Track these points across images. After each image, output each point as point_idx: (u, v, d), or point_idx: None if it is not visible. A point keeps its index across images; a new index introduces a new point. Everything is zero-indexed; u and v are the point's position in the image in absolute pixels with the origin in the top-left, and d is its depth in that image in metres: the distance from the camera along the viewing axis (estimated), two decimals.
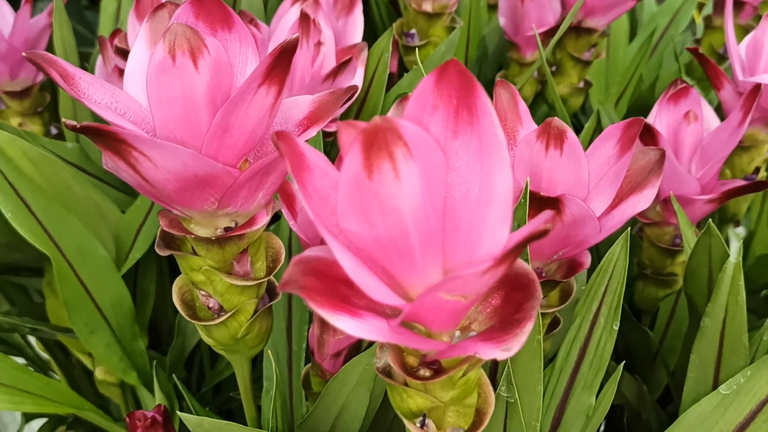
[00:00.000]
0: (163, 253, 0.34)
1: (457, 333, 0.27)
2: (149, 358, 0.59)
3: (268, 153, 0.33)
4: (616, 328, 0.37)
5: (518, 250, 0.21)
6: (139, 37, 0.34)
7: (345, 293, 0.25)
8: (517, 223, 0.33)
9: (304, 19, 0.49)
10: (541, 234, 0.20)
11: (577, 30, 0.63)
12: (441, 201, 0.24)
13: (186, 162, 0.29)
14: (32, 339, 0.72)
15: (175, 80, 0.29)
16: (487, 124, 0.23)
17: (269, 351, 0.41)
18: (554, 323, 0.43)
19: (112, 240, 0.58)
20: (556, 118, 0.36)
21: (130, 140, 0.27)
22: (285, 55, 0.28)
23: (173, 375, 0.53)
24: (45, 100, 0.65)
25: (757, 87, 0.45)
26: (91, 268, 0.55)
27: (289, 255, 0.48)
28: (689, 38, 0.85)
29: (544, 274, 0.40)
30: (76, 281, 0.54)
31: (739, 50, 0.52)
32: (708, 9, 0.72)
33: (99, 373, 0.60)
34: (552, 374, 0.38)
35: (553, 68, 0.65)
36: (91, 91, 0.31)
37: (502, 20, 0.64)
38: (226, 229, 0.33)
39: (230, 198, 0.31)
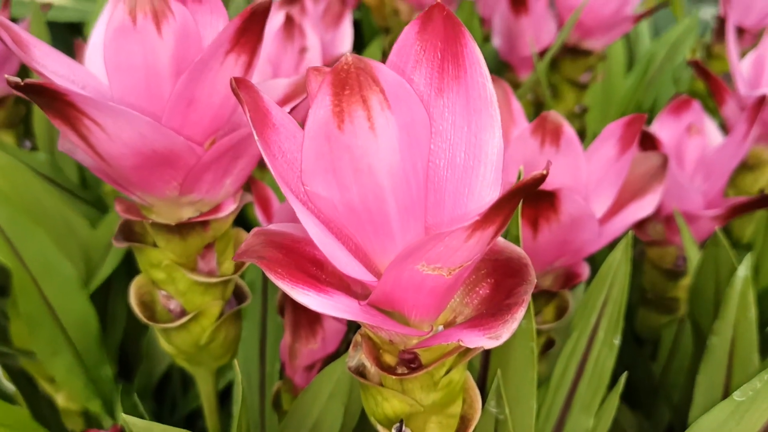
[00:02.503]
0: (119, 245, 0.30)
1: (440, 328, 0.24)
2: (117, 385, 0.55)
3: None
4: (617, 343, 0.34)
5: (508, 205, 0.18)
6: (104, 10, 0.31)
7: (313, 272, 0.22)
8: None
9: (289, 22, 0.47)
10: (537, 181, 0.17)
11: (573, 52, 0.61)
12: (423, 165, 0.21)
13: (143, 132, 0.26)
14: None
15: (136, 45, 0.26)
16: (476, 76, 0.21)
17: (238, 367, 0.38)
18: (549, 344, 0.40)
19: (81, 256, 0.55)
20: (552, 111, 0.34)
21: (79, 104, 0.25)
22: (256, 18, 0.26)
23: (139, 402, 0.49)
24: (20, 114, 0.62)
25: (762, 98, 0.43)
26: (56, 285, 0.52)
27: (265, 279, 0.45)
28: (686, 74, 0.83)
29: (538, 285, 0.37)
30: (38, 297, 0.50)
31: (741, 67, 0.50)
32: (707, 39, 0.71)
33: (61, 400, 0.56)
34: (547, 393, 0.35)
35: (549, 92, 0.63)
36: (48, 61, 0.28)
37: (496, 40, 0.62)
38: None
39: (194, 181, 0.28)
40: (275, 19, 0.49)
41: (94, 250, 0.56)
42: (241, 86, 0.20)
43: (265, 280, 0.44)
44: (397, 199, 0.21)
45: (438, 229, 0.22)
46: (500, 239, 0.24)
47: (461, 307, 0.24)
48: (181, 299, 0.32)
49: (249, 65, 0.27)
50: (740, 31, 0.65)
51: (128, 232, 0.32)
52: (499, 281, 0.24)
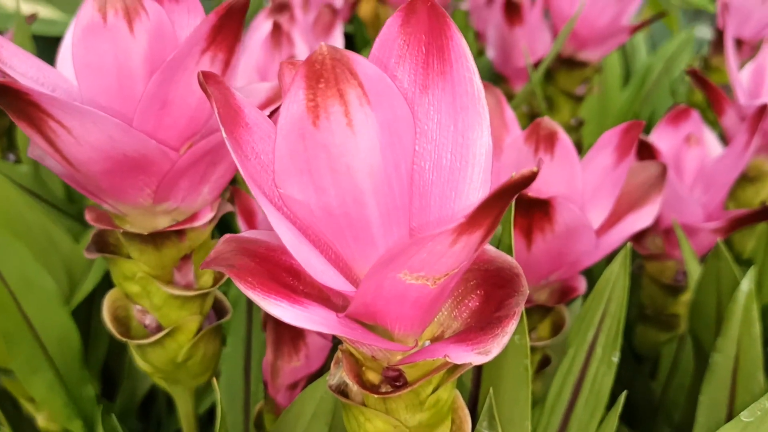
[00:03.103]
0: (91, 255, 0.29)
1: (427, 343, 0.22)
2: (99, 405, 0.53)
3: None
4: (616, 360, 0.33)
5: (497, 206, 0.16)
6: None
7: (289, 282, 0.21)
8: (500, 229, 0.29)
9: (277, 30, 0.46)
10: (527, 179, 0.15)
11: (569, 63, 0.60)
12: (407, 168, 0.20)
13: (113, 135, 0.24)
14: None
15: (106, 44, 0.25)
16: (462, 71, 0.19)
17: (222, 386, 0.36)
18: (544, 362, 0.38)
19: (64, 271, 0.53)
20: (546, 117, 0.32)
21: (44, 104, 0.23)
22: (233, 15, 0.25)
23: (118, 424, 0.47)
24: (3, 126, 0.61)
25: (763, 107, 0.42)
26: (36, 300, 0.50)
27: None
28: (684, 87, 0.82)
29: (532, 300, 0.35)
30: (17, 313, 0.49)
31: (740, 76, 0.49)
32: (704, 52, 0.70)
33: (41, 421, 0.54)
34: (542, 414, 0.33)
35: (544, 104, 0.61)
36: (15, 62, 0.27)
37: (490, 52, 0.61)
38: None
39: (168, 188, 0.27)
40: (263, 28, 0.48)
41: (76, 265, 0.54)
42: (209, 81, 0.19)
43: None
44: (379, 202, 0.19)
45: (423, 231, 0.21)
46: (491, 248, 0.23)
47: (449, 321, 0.23)
48: (156, 314, 0.30)
49: (227, 64, 0.26)
50: (738, 43, 0.64)
51: (102, 243, 0.30)
52: (489, 293, 0.22)
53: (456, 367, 0.22)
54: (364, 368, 0.23)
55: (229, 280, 0.51)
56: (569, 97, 0.61)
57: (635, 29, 0.60)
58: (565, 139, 0.32)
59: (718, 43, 0.66)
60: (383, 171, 0.19)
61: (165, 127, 0.26)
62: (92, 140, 0.24)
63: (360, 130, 0.18)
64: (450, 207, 0.20)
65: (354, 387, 0.23)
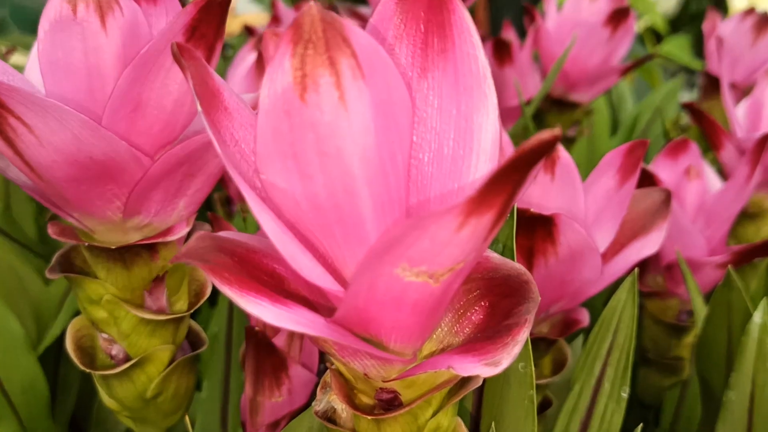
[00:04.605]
0: (53, 276, 0.26)
1: None
2: None
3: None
4: (626, 396, 0.30)
5: (510, 180, 0.14)
6: None
7: (271, 283, 0.18)
8: (502, 245, 0.27)
9: (261, 61, 0.44)
10: (549, 144, 0.13)
11: (559, 104, 0.59)
12: (404, 158, 0.18)
13: (79, 134, 0.22)
14: None
15: (76, 40, 0.23)
16: (465, 47, 0.17)
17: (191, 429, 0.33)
18: (545, 404, 0.35)
19: (32, 314, 0.50)
20: None
21: (3, 96, 0.21)
22: (214, 8, 0.23)
23: None
24: None
25: (765, 138, 0.40)
26: (1, 344, 0.47)
27: (230, 323, 0.40)
28: (674, 134, 0.82)
29: (533, 332, 0.33)
30: None
31: (737, 112, 0.47)
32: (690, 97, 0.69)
33: None
34: None
35: None
36: None
37: None
38: None
39: (140, 200, 0.25)
40: (248, 59, 0.46)
41: (45, 308, 0.51)
42: (185, 54, 0.17)
43: (230, 332, 0.39)
44: (372, 194, 0.17)
45: None
46: (495, 255, 0.21)
47: (450, 337, 0.20)
48: (124, 342, 0.27)
49: (207, 63, 0.24)
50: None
51: (66, 263, 0.28)
52: (494, 303, 0.20)
53: (458, 387, 0.20)
54: (355, 391, 0.20)
55: (207, 316, 0.48)
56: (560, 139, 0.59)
57: (625, 71, 0.59)
58: (566, 159, 0.30)
59: (708, 87, 0.65)
60: (378, 158, 0.17)
61: (137, 132, 0.24)
62: (56, 141, 0.22)
63: (353, 108, 0.16)
64: (452, 201, 0.18)
65: (344, 412, 0.20)
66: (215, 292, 0.46)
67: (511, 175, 0.14)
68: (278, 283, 0.19)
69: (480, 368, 0.17)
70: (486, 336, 0.18)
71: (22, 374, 0.49)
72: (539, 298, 0.19)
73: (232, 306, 0.40)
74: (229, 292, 0.16)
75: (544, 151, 0.14)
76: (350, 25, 0.16)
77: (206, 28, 0.23)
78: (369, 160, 0.17)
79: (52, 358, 0.53)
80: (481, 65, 0.17)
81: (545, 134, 0.13)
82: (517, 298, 0.19)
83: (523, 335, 0.18)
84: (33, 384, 0.49)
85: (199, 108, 0.17)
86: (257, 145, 0.16)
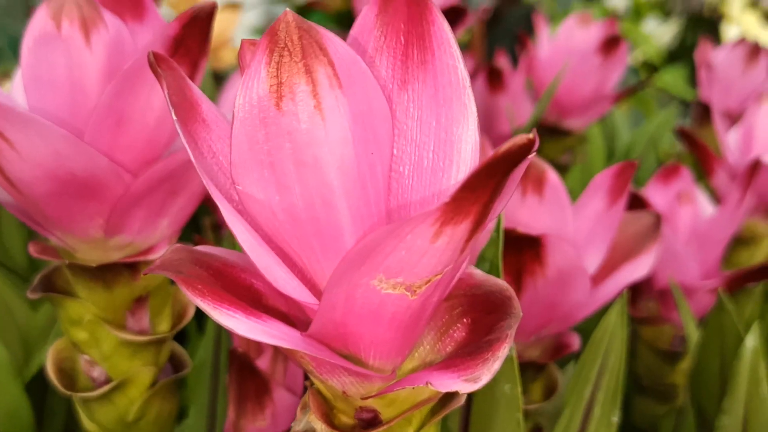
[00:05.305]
0: (34, 295, 0.26)
1: None
2: None
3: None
4: (617, 420, 0.29)
5: (486, 185, 0.14)
6: None
7: (247, 297, 0.18)
8: (488, 264, 0.26)
9: None
10: (525, 148, 0.13)
11: (553, 131, 0.59)
12: (384, 170, 0.18)
13: (59, 150, 0.22)
14: None
15: (59, 56, 0.23)
16: (445, 58, 0.17)
17: None
18: (536, 431, 0.35)
19: (19, 341, 0.50)
20: (534, 156, 0.30)
21: None
22: (198, 23, 0.23)
23: None
24: None
25: (756, 162, 0.40)
26: None
27: (217, 349, 0.40)
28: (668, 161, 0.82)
29: (523, 357, 0.32)
30: None
31: (728, 138, 0.48)
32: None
33: None
34: None
35: None
36: None
37: None
38: None
39: (122, 218, 0.24)
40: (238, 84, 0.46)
41: (32, 335, 0.50)
42: (162, 64, 0.17)
43: (217, 358, 0.39)
44: (351, 206, 0.17)
45: None
46: (478, 272, 0.20)
47: (432, 356, 0.20)
48: (105, 364, 0.27)
49: (191, 79, 0.24)
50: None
51: (49, 284, 0.27)
52: (477, 320, 0.19)
53: (440, 406, 0.19)
54: (335, 411, 0.20)
55: (196, 344, 0.48)
56: (553, 166, 0.59)
57: (618, 98, 0.59)
58: (554, 180, 0.30)
59: (700, 116, 0.65)
60: (356, 168, 0.17)
61: (120, 148, 0.24)
62: (37, 156, 0.22)
63: (330, 117, 0.16)
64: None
65: (321, 428, 0.20)
66: (205, 319, 0.46)
67: (485, 182, 0.14)
68: (256, 298, 0.18)
69: (459, 384, 0.16)
70: (466, 352, 0.17)
71: (7, 401, 0.48)
72: (521, 313, 0.18)
73: (219, 333, 0.39)
74: (201, 303, 0.16)
75: (519, 156, 0.13)
76: (327, 33, 0.16)
77: (191, 44, 0.23)
78: (347, 171, 0.17)
79: (39, 386, 0.52)
80: (461, 76, 0.17)
81: (519, 138, 0.13)
82: (499, 314, 0.19)
83: (504, 351, 0.17)
84: (18, 411, 0.48)
85: (174, 116, 0.16)
86: (232, 154, 0.16)
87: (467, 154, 0.17)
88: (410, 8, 0.18)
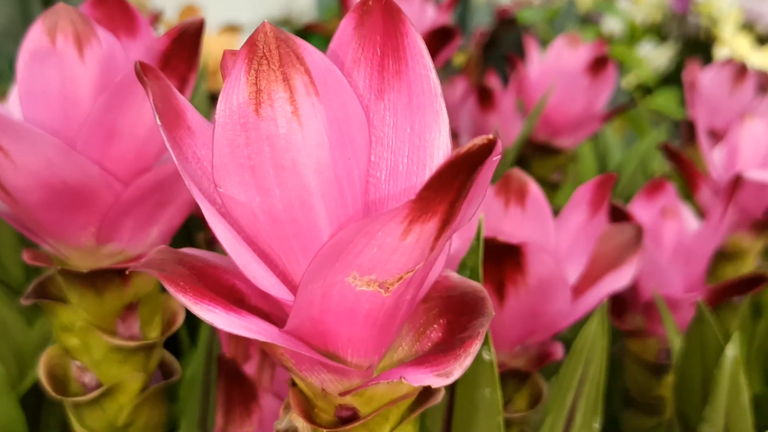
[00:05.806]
0: (27, 302, 0.27)
1: None
2: None
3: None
4: (597, 427, 0.30)
5: (452, 183, 0.15)
6: None
7: (229, 296, 0.19)
8: (469, 272, 0.27)
9: None
10: (485, 149, 0.14)
11: (543, 150, 0.60)
12: (361, 175, 0.18)
13: (52, 158, 0.23)
14: None
15: (54, 70, 0.24)
16: (418, 68, 0.18)
17: None
18: None
19: (13, 355, 0.50)
20: (516, 169, 0.31)
21: None
22: (187, 38, 0.24)
23: None
24: None
25: (737, 177, 0.41)
26: None
27: (209, 363, 0.40)
28: None
29: (508, 365, 0.33)
30: None
31: (713, 155, 0.48)
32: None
33: None
34: None
35: None
36: None
37: (464, 138, 0.61)
38: None
39: (113, 226, 0.25)
40: None
41: (27, 349, 0.51)
42: (149, 73, 0.18)
43: (208, 371, 0.39)
44: (328, 207, 0.18)
45: None
46: (454, 275, 0.21)
47: (409, 353, 0.21)
48: (96, 371, 0.28)
49: (180, 92, 0.25)
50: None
51: (42, 291, 0.28)
52: (453, 320, 0.20)
53: (417, 403, 0.20)
54: (316, 410, 0.20)
55: (188, 359, 0.48)
56: (544, 184, 0.60)
57: (607, 117, 0.60)
58: (536, 192, 0.31)
59: (688, 135, 0.66)
60: (333, 172, 0.18)
61: (111, 159, 0.25)
62: (30, 164, 0.23)
63: (307, 122, 0.17)
64: None
65: (305, 430, 0.20)
66: (197, 333, 0.46)
67: (449, 181, 0.14)
68: (238, 298, 0.19)
69: (431, 379, 0.17)
70: (440, 349, 0.18)
71: (1, 415, 0.48)
72: (493, 312, 0.19)
73: (211, 347, 0.40)
74: (183, 299, 0.16)
75: (479, 156, 0.14)
76: (303, 44, 0.17)
77: (180, 58, 0.24)
78: (324, 174, 0.17)
79: (34, 400, 0.53)
80: (433, 84, 0.18)
81: (479, 139, 0.14)
82: (474, 314, 0.19)
83: (475, 347, 0.18)
84: (12, 425, 0.48)
85: (159, 123, 0.17)
86: (214, 158, 0.17)
87: (440, 159, 0.18)
88: (386, 22, 0.19)
